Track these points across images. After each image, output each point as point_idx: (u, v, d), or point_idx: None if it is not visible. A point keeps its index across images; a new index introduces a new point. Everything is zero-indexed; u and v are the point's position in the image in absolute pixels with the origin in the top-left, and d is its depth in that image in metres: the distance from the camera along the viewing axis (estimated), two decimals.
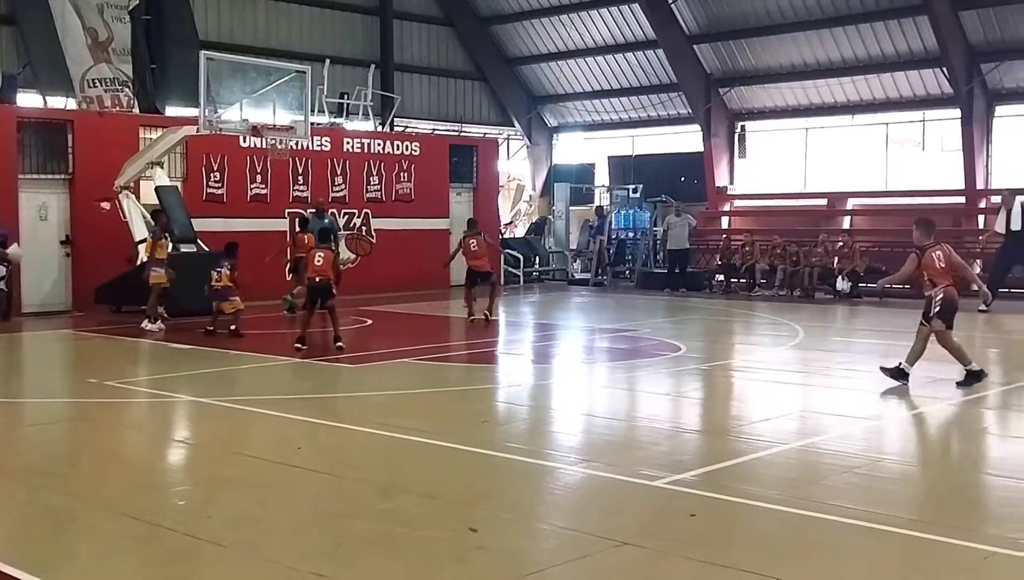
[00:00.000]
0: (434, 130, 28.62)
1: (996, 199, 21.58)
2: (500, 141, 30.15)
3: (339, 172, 22.42)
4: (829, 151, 26.89)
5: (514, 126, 31.98)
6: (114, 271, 17.47)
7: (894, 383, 10.50)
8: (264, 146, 18.02)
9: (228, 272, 14.98)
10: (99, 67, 21.19)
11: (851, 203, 26.15)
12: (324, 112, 22.49)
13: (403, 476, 7.35)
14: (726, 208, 28.28)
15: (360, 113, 24.05)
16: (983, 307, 16.61)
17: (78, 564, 5.58)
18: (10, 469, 7.60)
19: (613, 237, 26.64)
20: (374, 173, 23.08)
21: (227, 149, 20.01)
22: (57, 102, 20.90)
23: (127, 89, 21.47)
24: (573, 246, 27.95)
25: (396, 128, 26.54)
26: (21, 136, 18.21)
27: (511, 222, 30.96)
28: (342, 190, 22.45)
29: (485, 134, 29.73)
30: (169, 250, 16.27)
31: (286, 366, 12.67)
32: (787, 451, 8.07)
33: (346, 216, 22.38)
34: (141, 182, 18.62)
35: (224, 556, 5.63)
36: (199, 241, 18.18)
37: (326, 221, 18.77)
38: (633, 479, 7.10)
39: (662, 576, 5.40)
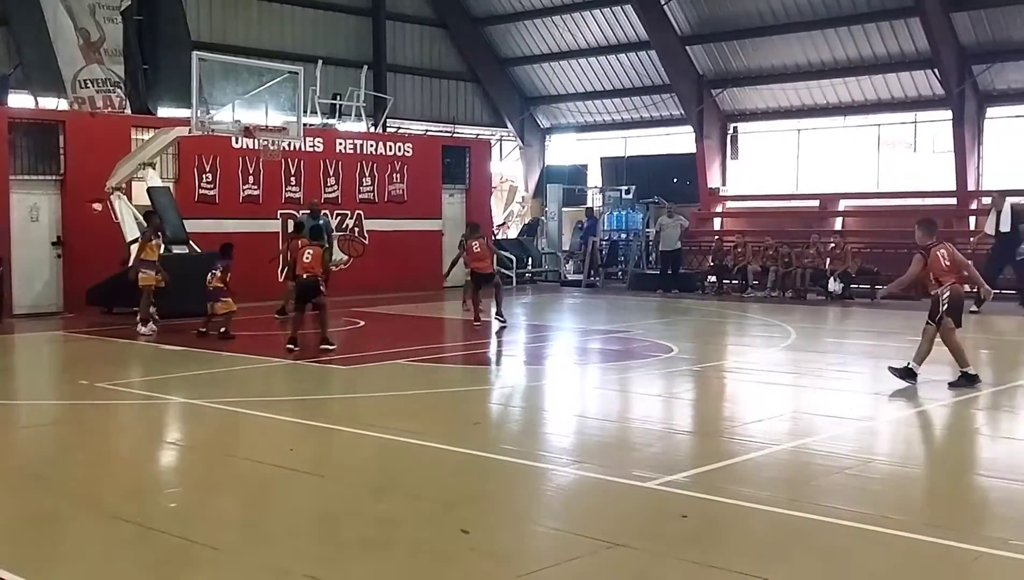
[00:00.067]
0: (427, 131, 28.62)
1: (987, 200, 21.65)
2: (493, 142, 30.19)
3: (332, 173, 22.40)
4: (821, 152, 26.96)
5: (507, 127, 31.99)
6: (106, 272, 17.41)
7: (903, 383, 10.56)
8: (256, 147, 18.00)
9: (220, 273, 14.97)
10: (91, 68, 21.14)
11: (843, 204, 26.25)
12: (317, 113, 22.46)
13: (395, 478, 7.35)
14: (718, 209, 28.34)
15: (353, 114, 24.04)
16: (975, 308, 16.70)
17: (70, 567, 5.56)
18: (1, 472, 7.59)
19: (605, 238, 26.66)
20: (367, 174, 23.06)
21: (219, 150, 19.96)
22: (49, 103, 20.87)
23: (119, 90, 21.43)
24: (566, 247, 27.97)
25: (389, 129, 26.55)
26: (12, 137, 18.16)
27: (504, 223, 30.99)
28: (335, 191, 22.43)
29: (478, 135, 29.76)
30: (161, 251, 16.25)
31: (278, 367, 12.66)
32: (779, 452, 8.09)
33: (339, 217, 22.33)
34: (133, 183, 18.58)
35: (216, 558, 5.63)
36: (191, 242, 18.14)
37: (320, 223, 18.78)
38: (625, 480, 7.12)
39: (654, 577, 5.41)
